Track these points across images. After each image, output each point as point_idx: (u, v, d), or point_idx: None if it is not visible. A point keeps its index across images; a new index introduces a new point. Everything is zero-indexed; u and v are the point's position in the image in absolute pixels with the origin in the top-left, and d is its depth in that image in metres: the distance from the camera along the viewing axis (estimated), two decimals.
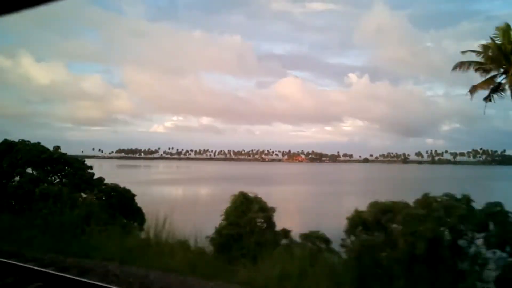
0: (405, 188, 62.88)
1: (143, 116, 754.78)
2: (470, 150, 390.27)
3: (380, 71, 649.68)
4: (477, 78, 25.19)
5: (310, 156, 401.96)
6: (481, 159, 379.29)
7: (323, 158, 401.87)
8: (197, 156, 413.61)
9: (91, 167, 22.89)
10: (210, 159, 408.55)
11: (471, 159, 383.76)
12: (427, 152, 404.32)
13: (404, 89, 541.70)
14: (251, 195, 12.46)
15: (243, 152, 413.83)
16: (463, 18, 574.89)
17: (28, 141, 21.36)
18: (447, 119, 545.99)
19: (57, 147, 23.10)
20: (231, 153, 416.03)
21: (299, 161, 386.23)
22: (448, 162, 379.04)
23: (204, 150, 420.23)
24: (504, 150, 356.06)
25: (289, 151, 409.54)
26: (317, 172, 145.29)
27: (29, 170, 20.34)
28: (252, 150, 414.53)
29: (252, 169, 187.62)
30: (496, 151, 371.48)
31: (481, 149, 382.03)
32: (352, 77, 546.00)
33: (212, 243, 11.85)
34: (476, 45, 25.38)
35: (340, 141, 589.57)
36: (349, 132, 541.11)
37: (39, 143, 21.62)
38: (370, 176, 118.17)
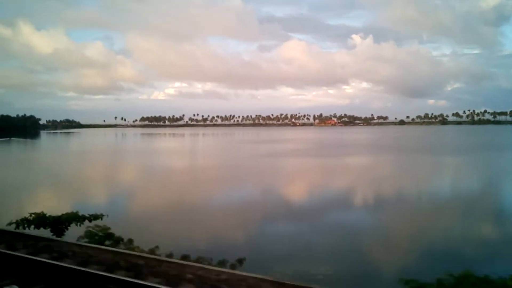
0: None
1: (148, 83, 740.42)
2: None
3: (385, 31, 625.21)
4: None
5: (343, 119, 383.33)
6: None
7: (356, 121, 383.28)
8: (224, 122, 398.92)
9: None
10: (238, 125, 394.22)
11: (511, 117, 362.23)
12: (464, 112, 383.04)
13: (409, 49, 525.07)
14: None
15: (271, 116, 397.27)
16: None
17: None
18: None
19: None
20: (259, 118, 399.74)
21: (332, 124, 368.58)
22: (488, 122, 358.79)
23: (231, 115, 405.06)
24: None
25: (321, 114, 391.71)
26: (384, 137, 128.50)
27: None
28: (281, 115, 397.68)
29: (313, 134, 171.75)
30: None
31: None
32: (356, 38, 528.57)
33: None
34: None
35: (341, 104, 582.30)
36: (352, 95, 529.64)
37: None
38: (451, 141, 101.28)
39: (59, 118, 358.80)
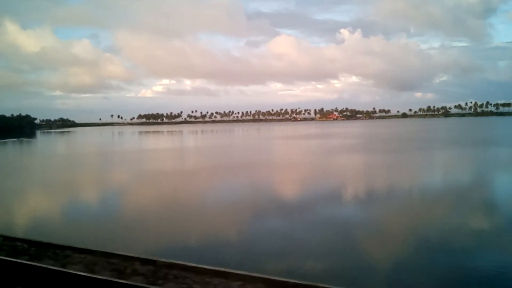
0: None
1: (136, 81, 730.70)
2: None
3: (373, 25, 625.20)
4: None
5: (345, 113, 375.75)
6: None
7: (358, 115, 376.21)
8: (224, 118, 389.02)
9: None
10: (237, 120, 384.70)
11: None
12: (466, 104, 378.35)
13: (398, 43, 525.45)
14: None
15: (272, 112, 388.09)
16: None
17: None
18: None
19: None
20: (259, 114, 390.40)
21: (334, 119, 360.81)
22: (491, 113, 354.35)
23: (230, 111, 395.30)
24: None
25: (322, 109, 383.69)
26: (396, 131, 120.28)
27: None
28: (281, 110, 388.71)
29: (329, 128, 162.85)
30: None
31: None
32: (344, 33, 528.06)
33: None
34: None
35: (330, 98, 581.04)
36: (340, 89, 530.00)
37: None
38: (474, 134, 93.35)
39: (48, 117, 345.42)
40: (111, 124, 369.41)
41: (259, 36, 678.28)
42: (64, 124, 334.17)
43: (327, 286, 8.03)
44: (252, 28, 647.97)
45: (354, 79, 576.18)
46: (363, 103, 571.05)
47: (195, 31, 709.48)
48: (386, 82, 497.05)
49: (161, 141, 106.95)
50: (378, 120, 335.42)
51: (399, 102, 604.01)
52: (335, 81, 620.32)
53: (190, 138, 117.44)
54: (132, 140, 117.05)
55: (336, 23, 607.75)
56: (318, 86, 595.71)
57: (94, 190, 29.88)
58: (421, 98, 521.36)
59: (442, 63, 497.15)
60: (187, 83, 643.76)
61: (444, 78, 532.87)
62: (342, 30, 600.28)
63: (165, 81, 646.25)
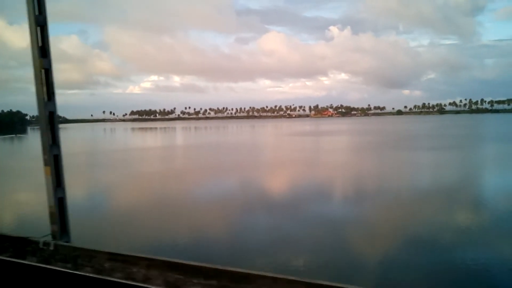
0: None
1: (125, 77, 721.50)
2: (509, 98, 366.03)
3: (362, 22, 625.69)
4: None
5: (340, 110, 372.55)
6: None
7: (353, 112, 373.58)
8: (218, 115, 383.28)
9: None
10: (231, 117, 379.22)
11: (509, 106, 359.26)
12: (460, 101, 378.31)
13: (387, 40, 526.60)
14: None
15: (266, 108, 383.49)
16: None
17: None
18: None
19: None
20: (253, 111, 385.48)
21: (329, 115, 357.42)
22: (486, 111, 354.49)
23: (224, 108, 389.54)
24: None
25: (317, 105, 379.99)
26: (425, 127, 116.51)
27: None
28: (275, 106, 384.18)
29: (334, 125, 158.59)
30: None
31: None
32: (334, 30, 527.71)
33: None
34: None
35: (318, 95, 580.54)
36: (329, 86, 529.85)
37: None
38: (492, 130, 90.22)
39: (33, 113, 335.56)
40: (103, 120, 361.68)
41: (248, 32, 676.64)
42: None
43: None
44: (241, 25, 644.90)
45: (343, 76, 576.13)
46: (352, 100, 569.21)
47: (184, 27, 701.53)
48: (375, 79, 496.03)
49: (172, 138, 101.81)
50: (373, 117, 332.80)
51: (387, 100, 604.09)
52: (324, 78, 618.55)
53: (205, 134, 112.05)
54: (143, 137, 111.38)
55: (325, 20, 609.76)
56: (307, 83, 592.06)
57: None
58: (409, 96, 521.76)
59: (431, 60, 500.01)
60: (176, 80, 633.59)
61: (432, 75, 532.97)
62: (331, 27, 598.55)
63: (154, 77, 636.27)
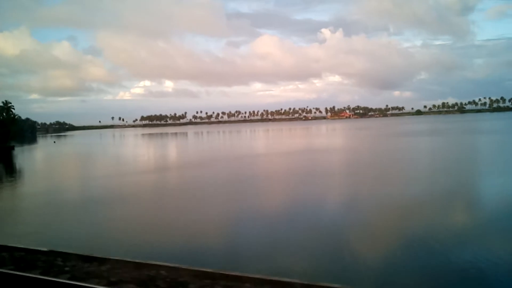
0: None
1: (118, 83, 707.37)
2: None
3: (353, 24, 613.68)
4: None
5: (358, 111, 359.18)
6: None
7: (370, 113, 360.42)
8: (231, 118, 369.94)
9: None
10: (244, 121, 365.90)
11: None
12: (479, 99, 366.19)
13: (380, 41, 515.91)
14: None
15: (280, 111, 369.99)
16: None
17: None
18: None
19: None
20: (267, 114, 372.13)
21: (347, 117, 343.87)
22: (507, 109, 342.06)
23: (236, 112, 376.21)
24: None
25: (333, 107, 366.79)
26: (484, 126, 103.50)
27: None
28: (289, 109, 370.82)
29: (393, 127, 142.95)
30: None
31: None
32: (325, 32, 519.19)
33: None
34: None
35: (309, 98, 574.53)
36: (320, 89, 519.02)
37: None
38: None
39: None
40: (112, 126, 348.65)
41: (239, 36, 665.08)
42: (61, 127, 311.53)
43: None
44: (232, 29, 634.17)
45: (336, 78, 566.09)
46: (342, 102, 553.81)
47: (175, 31, 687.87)
48: (368, 80, 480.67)
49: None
50: (392, 118, 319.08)
51: (378, 101, 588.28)
52: (316, 81, 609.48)
53: (262, 139, 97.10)
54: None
55: (315, 22, 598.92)
56: (300, 86, 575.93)
57: None
58: (400, 96, 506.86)
59: (423, 61, 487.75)
60: (170, 85, 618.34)
61: (423, 76, 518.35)
62: (323, 30, 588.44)
63: (147, 82, 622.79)
